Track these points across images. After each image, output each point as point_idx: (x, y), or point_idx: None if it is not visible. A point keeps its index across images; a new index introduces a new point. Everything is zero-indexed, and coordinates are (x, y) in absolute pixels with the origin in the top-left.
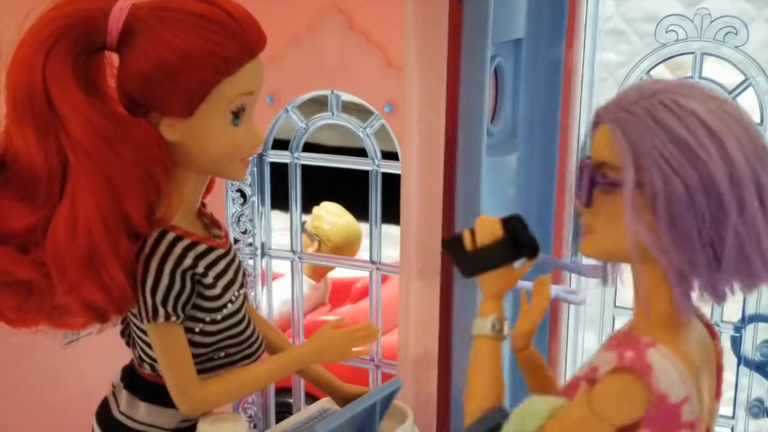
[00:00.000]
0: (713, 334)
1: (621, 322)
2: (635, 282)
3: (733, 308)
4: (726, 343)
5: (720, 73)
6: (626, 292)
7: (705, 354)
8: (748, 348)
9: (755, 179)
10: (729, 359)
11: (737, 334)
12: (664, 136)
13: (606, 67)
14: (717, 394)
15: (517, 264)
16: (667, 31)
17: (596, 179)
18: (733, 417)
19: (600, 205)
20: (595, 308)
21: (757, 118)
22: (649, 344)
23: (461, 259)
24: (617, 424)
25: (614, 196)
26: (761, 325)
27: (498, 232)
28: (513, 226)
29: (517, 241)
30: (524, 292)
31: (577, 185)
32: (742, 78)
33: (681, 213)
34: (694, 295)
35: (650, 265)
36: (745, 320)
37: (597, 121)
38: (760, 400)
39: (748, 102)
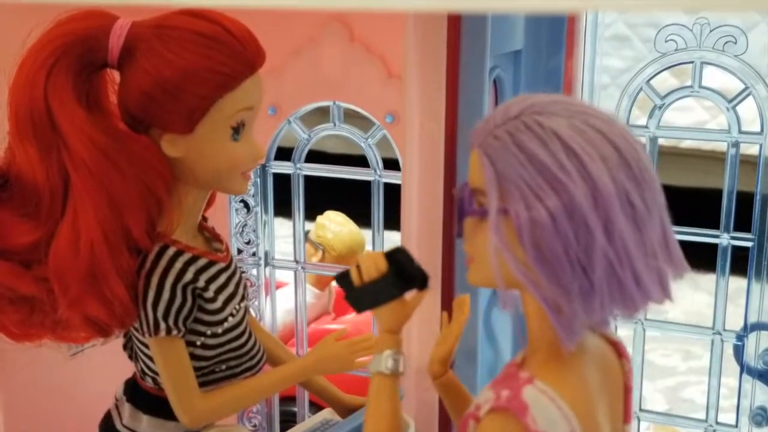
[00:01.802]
0: (620, 353)
1: (623, 329)
2: (524, 310)
3: (735, 314)
4: (728, 351)
5: (720, 82)
6: None
7: (606, 378)
8: (750, 356)
9: (624, 197)
10: (732, 367)
11: (740, 343)
12: (526, 161)
13: (608, 72)
14: (626, 417)
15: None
16: (666, 41)
17: (464, 207)
18: (736, 425)
19: (475, 233)
20: None
21: (757, 127)
22: (526, 381)
23: (352, 295)
24: None
25: (487, 224)
26: (764, 333)
27: (382, 266)
28: (397, 259)
29: (403, 273)
30: (445, 315)
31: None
32: (742, 86)
33: (546, 240)
34: (580, 324)
35: (528, 294)
36: (748, 328)
37: (471, 146)
38: (763, 408)
39: (748, 110)
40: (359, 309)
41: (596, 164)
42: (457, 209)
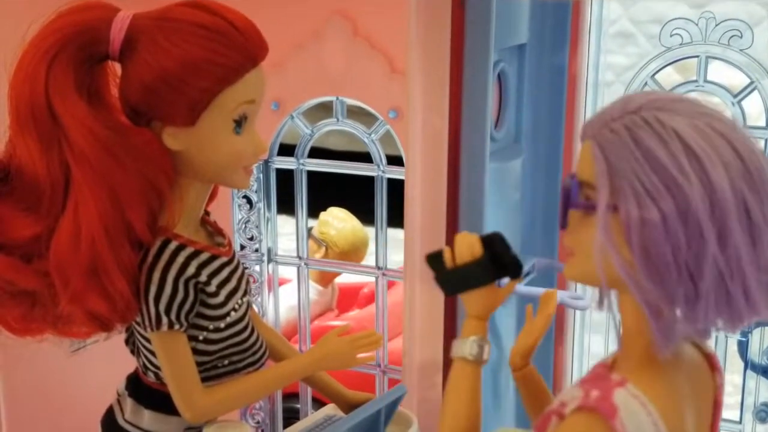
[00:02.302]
0: (713, 366)
1: None
2: (621, 312)
3: None
4: (732, 347)
5: (726, 76)
6: None
7: (697, 389)
8: (755, 352)
9: (742, 208)
10: (736, 363)
11: (744, 339)
12: (642, 158)
13: (613, 69)
14: (713, 430)
15: (504, 282)
16: (671, 35)
17: (571, 200)
18: (740, 422)
19: (580, 227)
20: (601, 313)
21: (762, 122)
22: (618, 384)
23: (442, 276)
24: None
25: (593, 218)
26: None
27: (477, 250)
28: (493, 244)
29: (497, 260)
30: (530, 308)
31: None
32: (747, 81)
33: (656, 242)
34: (679, 332)
35: (627, 295)
36: (752, 324)
37: (582, 136)
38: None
39: (753, 105)
40: (449, 292)
41: (717, 169)
42: (562, 200)
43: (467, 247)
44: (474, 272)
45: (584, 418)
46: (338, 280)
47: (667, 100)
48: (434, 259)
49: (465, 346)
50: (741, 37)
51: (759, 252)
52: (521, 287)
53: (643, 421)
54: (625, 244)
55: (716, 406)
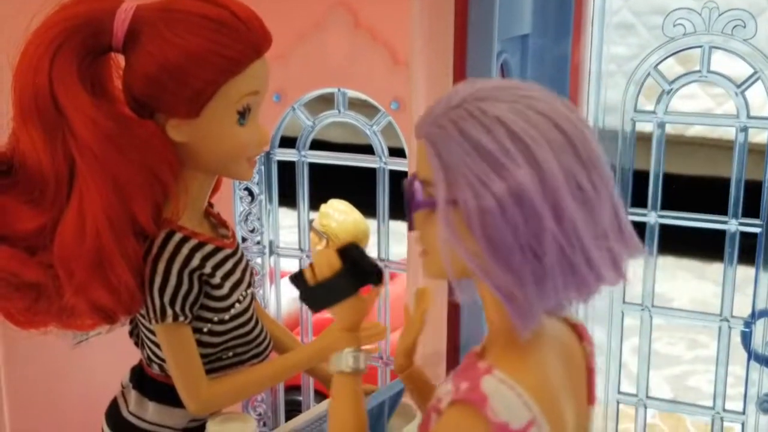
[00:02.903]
0: (581, 336)
1: (630, 317)
2: (482, 299)
3: (743, 303)
4: (736, 338)
5: (729, 66)
6: (636, 288)
7: (567, 361)
8: (758, 343)
9: (572, 181)
10: (739, 355)
11: (747, 330)
12: (470, 149)
13: (614, 60)
14: (590, 398)
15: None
16: (674, 25)
17: (415, 200)
18: (743, 412)
19: (426, 225)
20: (604, 304)
21: (766, 112)
22: (485, 371)
23: (306, 294)
24: None
25: (436, 215)
26: None
27: (335, 263)
28: (350, 255)
29: (357, 269)
30: (406, 306)
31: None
32: (751, 71)
33: (496, 227)
34: (536, 310)
35: (483, 284)
36: (755, 315)
37: (416, 135)
38: None
39: (756, 95)
40: (315, 308)
41: (541, 148)
42: (406, 202)
43: (325, 262)
44: (336, 285)
45: (457, 411)
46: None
47: (489, 88)
48: (297, 279)
49: (341, 360)
50: (744, 26)
51: (595, 220)
52: None
53: (514, 404)
54: (468, 234)
55: (589, 372)
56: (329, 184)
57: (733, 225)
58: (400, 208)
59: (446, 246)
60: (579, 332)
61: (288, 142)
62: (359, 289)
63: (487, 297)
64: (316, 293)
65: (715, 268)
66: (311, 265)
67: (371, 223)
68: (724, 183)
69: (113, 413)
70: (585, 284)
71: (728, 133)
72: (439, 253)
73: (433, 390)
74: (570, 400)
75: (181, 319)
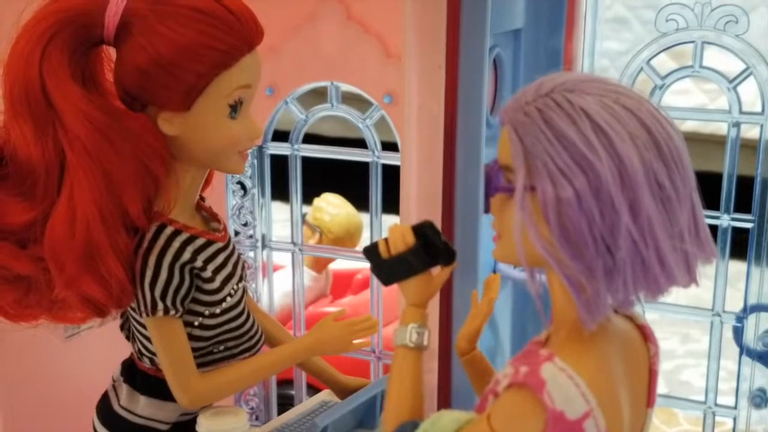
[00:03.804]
0: (646, 337)
1: None
2: (549, 289)
3: (735, 298)
4: (728, 333)
5: (721, 62)
6: None
7: (630, 360)
8: (750, 338)
9: (652, 179)
10: (731, 349)
11: (739, 324)
12: (554, 138)
13: (607, 55)
14: (650, 401)
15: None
16: (667, 20)
17: (493, 183)
18: (735, 407)
19: (503, 210)
20: None
21: (758, 107)
22: (546, 358)
23: (378, 267)
24: None
25: (514, 200)
26: (763, 314)
27: (410, 239)
28: (425, 233)
29: (430, 248)
30: (475, 293)
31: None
32: (743, 67)
33: (571, 217)
34: (604, 304)
35: (553, 272)
36: (747, 310)
37: (501, 123)
38: (763, 390)
39: (749, 90)
40: (386, 282)
41: (625, 143)
42: (485, 185)
43: (400, 237)
44: (408, 261)
45: (514, 394)
46: (332, 266)
47: (577, 81)
48: (371, 251)
49: (405, 334)
50: (737, 22)
51: (671, 220)
52: (515, 272)
53: (571, 393)
54: (543, 222)
55: (651, 374)
56: (322, 177)
57: (725, 220)
58: (392, 202)
59: (520, 231)
60: (645, 333)
61: (281, 135)
62: (430, 267)
63: (555, 287)
64: (388, 267)
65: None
66: (386, 239)
67: (364, 217)
68: (717, 178)
69: (104, 407)
70: (655, 283)
71: (721, 128)
72: (513, 238)
73: (492, 375)
74: (628, 398)
75: (172, 312)
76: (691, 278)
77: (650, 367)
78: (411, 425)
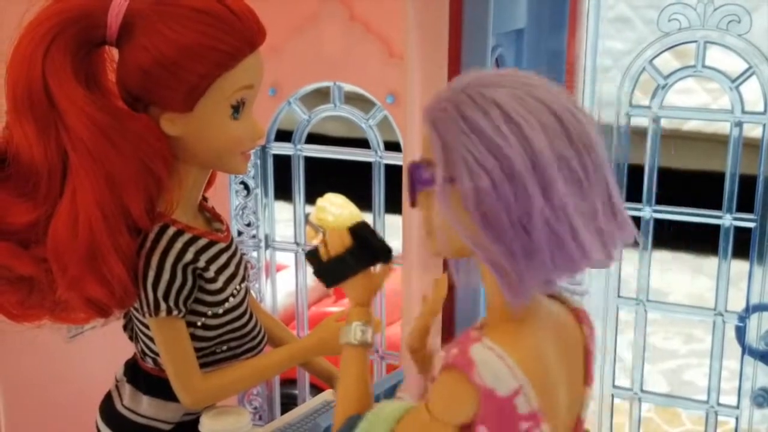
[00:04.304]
0: (579, 318)
1: (624, 312)
2: (481, 277)
3: (737, 297)
4: (730, 333)
5: (724, 62)
6: (631, 282)
7: (565, 341)
8: (752, 337)
9: (563, 162)
10: (733, 349)
11: (741, 324)
12: (468, 130)
13: (610, 54)
14: (587, 379)
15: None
16: (669, 20)
17: (417, 178)
18: (737, 407)
19: (429, 205)
20: (598, 298)
21: (760, 107)
22: (475, 339)
23: (320, 270)
24: (455, 423)
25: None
26: (766, 314)
27: (347, 241)
28: (361, 233)
29: (367, 247)
30: (425, 293)
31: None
32: (745, 66)
33: (490, 204)
34: (528, 286)
35: (482, 262)
36: (750, 309)
37: (423, 121)
38: (765, 390)
39: (751, 90)
40: (328, 284)
41: (534, 130)
42: (410, 182)
43: (338, 239)
44: (347, 261)
45: (446, 376)
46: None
47: (492, 76)
48: (311, 256)
49: (350, 332)
50: (739, 22)
51: (585, 201)
52: None
53: (500, 370)
54: (464, 212)
55: (587, 354)
56: (325, 177)
57: (727, 220)
58: (395, 202)
59: (444, 222)
60: (578, 316)
61: (284, 135)
62: (369, 266)
63: (486, 275)
64: (328, 269)
65: (710, 263)
66: (324, 242)
67: (367, 217)
68: (719, 178)
69: (107, 407)
70: (572, 260)
71: (723, 127)
72: (439, 231)
73: None
74: (564, 378)
75: (175, 313)
76: (608, 255)
77: (586, 347)
78: (357, 418)
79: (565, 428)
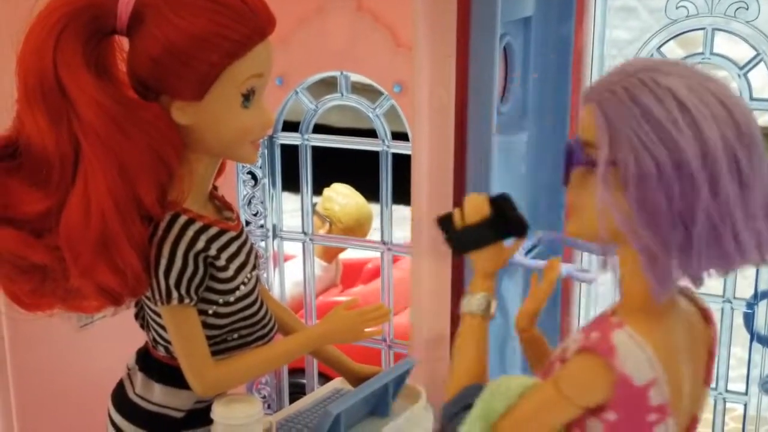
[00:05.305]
0: (707, 319)
1: None
2: (620, 264)
3: (745, 285)
4: (738, 320)
5: (731, 49)
6: None
7: (693, 339)
8: (760, 324)
9: (731, 159)
10: (741, 336)
11: (750, 311)
12: (639, 115)
13: (616, 44)
14: (707, 380)
15: (509, 242)
16: (677, 7)
17: (574, 157)
18: (746, 393)
19: (581, 184)
20: (607, 286)
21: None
22: (616, 325)
23: (451, 236)
24: (583, 404)
25: (593, 175)
26: None
27: (485, 210)
28: (500, 204)
29: (505, 219)
30: (535, 275)
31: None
32: (753, 53)
33: (651, 192)
34: (674, 278)
35: (626, 246)
36: (758, 296)
37: (584, 101)
38: None
39: (759, 77)
40: (459, 250)
41: (708, 123)
42: (566, 158)
43: (476, 208)
44: (482, 231)
45: (584, 358)
46: (342, 256)
47: (664, 63)
48: (444, 221)
49: (473, 301)
50: (747, 9)
51: (747, 199)
52: (527, 260)
53: (640, 359)
54: (623, 195)
55: (710, 356)
56: (332, 167)
57: None
58: (401, 192)
59: (601, 204)
60: (706, 316)
61: (290, 126)
62: (503, 238)
63: (627, 260)
64: (461, 236)
65: None
66: (461, 209)
67: (374, 207)
68: None
69: (119, 395)
70: (727, 259)
71: None
72: (590, 212)
73: (548, 354)
74: (690, 373)
75: (187, 301)
76: (762, 256)
77: (709, 348)
78: (476, 388)
79: (683, 424)
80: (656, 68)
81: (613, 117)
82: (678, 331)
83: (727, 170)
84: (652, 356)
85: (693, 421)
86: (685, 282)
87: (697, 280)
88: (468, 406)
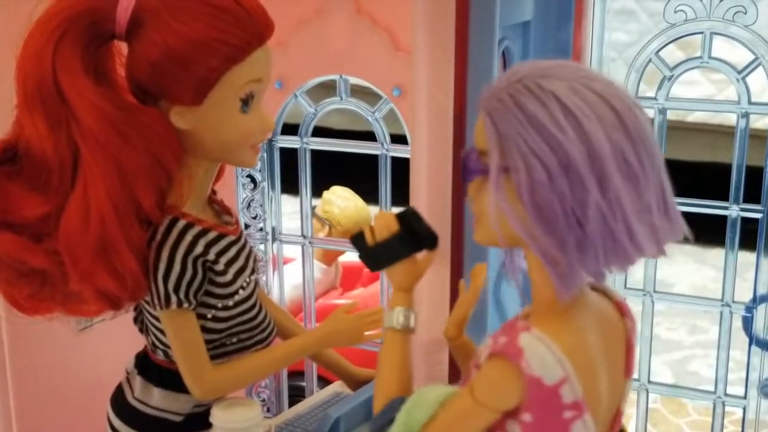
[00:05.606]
0: (622, 312)
1: (631, 303)
2: (528, 267)
3: (743, 288)
4: (737, 323)
5: (730, 53)
6: (637, 273)
7: (607, 333)
8: (759, 328)
9: (619, 155)
10: (740, 339)
11: (748, 314)
12: (525, 120)
13: (615, 47)
14: (627, 371)
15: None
16: (675, 11)
17: (469, 167)
18: (745, 397)
19: (479, 193)
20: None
21: (767, 97)
22: (523, 328)
23: (365, 254)
24: (499, 408)
25: (488, 183)
26: None
27: (393, 226)
28: (408, 219)
29: (413, 234)
30: (462, 282)
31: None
32: (752, 57)
33: (543, 194)
34: (576, 276)
35: (529, 250)
36: (757, 300)
37: (477, 109)
38: None
39: (757, 81)
40: (373, 268)
41: (592, 123)
42: (462, 170)
43: (384, 224)
44: (393, 247)
45: (494, 363)
46: (341, 258)
47: (549, 67)
48: (357, 239)
49: (392, 317)
50: (745, 13)
51: (640, 195)
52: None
53: (548, 360)
54: (517, 200)
55: (629, 347)
56: (331, 171)
57: (734, 211)
58: (400, 195)
59: (497, 211)
60: (621, 309)
61: (290, 129)
62: (415, 252)
63: (533, 265)
64: (374, 254)
65: (716, 254)
66: (371, 227)
67: (373, 210)
68: (726, 169)
69: (118, 399)
70: (624, 253)
71: (729, 118)
72: (490, 220)
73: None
74: (606, 369)
75: (186, 305)
76: (659, 250)
77: (627, 340)
78: (399, 400)
79: (605, 418)
80: (541, 72)
81: (500, 124)
82: (590, 327)
83: (615, 167)
84: (561, 355)
85: (617, 414)
86: (590, 279)
87: (599, 276)
88: (393, 420)
